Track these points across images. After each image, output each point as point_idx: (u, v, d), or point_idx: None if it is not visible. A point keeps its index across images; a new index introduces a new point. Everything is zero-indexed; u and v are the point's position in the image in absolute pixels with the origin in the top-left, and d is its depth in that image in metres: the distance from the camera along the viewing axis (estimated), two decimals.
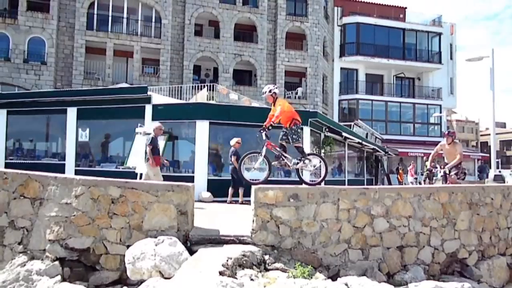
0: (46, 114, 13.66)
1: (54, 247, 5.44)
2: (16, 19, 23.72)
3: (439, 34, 35.37)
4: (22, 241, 5.61)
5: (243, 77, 29.73)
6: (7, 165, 12.44)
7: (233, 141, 10.77)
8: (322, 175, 6.95)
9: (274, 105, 6.83)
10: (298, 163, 6.76)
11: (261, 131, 6.78)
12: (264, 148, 6.70)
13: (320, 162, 7.05)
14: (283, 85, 28.99)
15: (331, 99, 33.20)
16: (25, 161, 13.10)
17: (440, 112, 34.18)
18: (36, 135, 14.46)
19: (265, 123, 6.80)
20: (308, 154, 7.02)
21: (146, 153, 8.93)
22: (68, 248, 5.44)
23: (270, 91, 6.83)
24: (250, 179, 6.66)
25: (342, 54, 33.72)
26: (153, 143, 8.90)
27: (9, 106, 13.52)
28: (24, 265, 5.34)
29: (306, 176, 7.12)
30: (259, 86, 28.16)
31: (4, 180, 5.72)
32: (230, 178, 10.92)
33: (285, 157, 6.83)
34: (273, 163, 6.93)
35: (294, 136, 6.70)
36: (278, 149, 6.86)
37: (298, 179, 7.12)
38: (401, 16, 36.78)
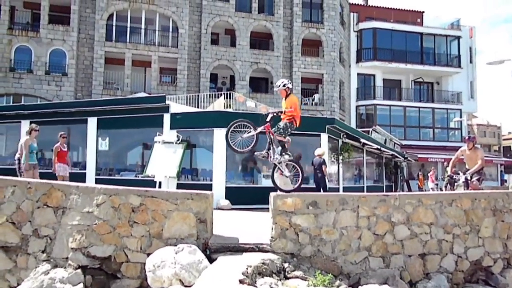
0: (67, 124, 13.97)
1: (77, 255, 5.52)
2: (38, 32, 24.37)
3: (458, 38, 34.83)
4: (45, 249, 5.70)
5: (260, 85, 29.82)
6: None
7: (320, 151, 11.26)
8: (298, 182, 6.69)
9: (285, 99, 6.74)
10: (278, 158, 6.60)
11: (270, 113, 6.70)
12: (262, 127, 6.58)
13: (295, 168, 6.85)
14: (299, 91, 28.91)
15: (348, 105, 32.98)
16: (48, 171, 13.38)
17: (461, 117, 33.57)
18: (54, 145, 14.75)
19: (277, 112, 6.73)
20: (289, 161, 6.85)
21: None
22: (90, 256, 5.52)
23: (284, 85, 6.68)
24: (235, 148, 6.59)
25: (358, 60, 33.51)
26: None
27: (32, 117, 13.86)
28: (48, 273, 5.42)
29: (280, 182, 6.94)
30: (275, 93, 28.18)
31: (28, 189, 5.84)
32: (252, 186, 10.88)
33: (273, 148, 6.69)
34: (256, 153, 6.88)
35: (281, 129, 6.56)
36: (272, 137, 6.70)
37: (314, 187, 7.05)
38: (419, 20, 36.39)
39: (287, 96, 6.72)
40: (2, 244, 5.77)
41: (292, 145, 10.29)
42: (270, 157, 6.69)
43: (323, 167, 11.01)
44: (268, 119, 6.62)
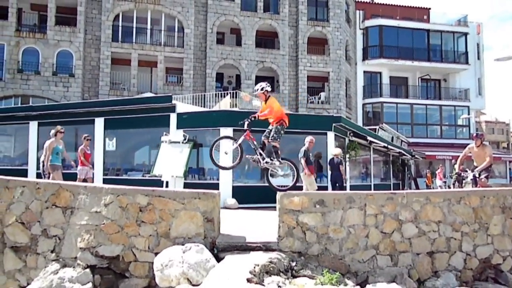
0: (74, 125, 14.05)
1: (85, 255, 5.56)
2: (45, 34, 24.55)
3: (465, 34, 34.57)
4: (54, 249, 5.75)
5: None
6: (39, 175, 12.83)
7: (337, 151, 11.46)
8: (292, 182, 6.74)
9: (265, 103, 6.76)
10: (268, 162, 6.65)
11: (246, 120, 6.71)
12: (242, 137, 6.64)
13: (291, 169, 6.89)
14: (305, 90, 28.92)
15: (355, 103, 32.87)
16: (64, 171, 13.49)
17: (468, 114, 33.32)
18: (65, 145, 14.85)
19: (253, 115, 6.75)
20: (282, 159, 6.84)
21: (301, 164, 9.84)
22: (98, 256, 5.55)
23: (262, 89, 6.71)
24: (220, 165, 6.66)
25: (365, 58, 33.38)
26: (306, 155, 9.75)
27: (40, 118, 13.98)
28: (57, 272, 5.47)
29: (276, 181, 6.95)
30: (281, 92, 28.19)
31: (37, 190, 5.89)
32: (259, 185, 10.90)
33: (260, 153, 6.73)
34: (247, 156, 6.90)
35: (275, 135, 6.59)
36: (255, 142, 6.76)
37: (323, 185, 7.05)
38: (425, 17, 36.15)
39: (266, 99, 6.75)
40: (12, 244, 5.83)
41: (299, 143, 10.30)
42: (259, 161, 6.73)
43: (341, 166, 11.23)
44: (245, 126, 6.66)
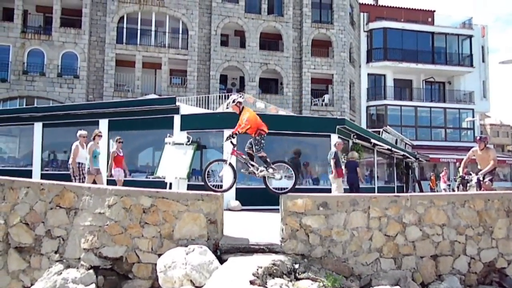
0: (79, 126, 14.01)
1: (89, 255, 5.58)
2: (50, 35, 24.69)
3: (470, 37, 34.46)
4: (58, 250, 5.77)
5: (269, 86, 29.83)
6: (43, 176, 12.90)
7: (354, 155, 11.99)
8: (291, 184, 6.70)
9: (240, 114, 6.76)
10: (263, 171, 6.65)
11: (227, 138, 6.71)
12: (230, 156, 6.68)
13: (289, 169, 6.87)
14: (309, 92, 28.91)
15: (359, 106, 32.82)
16: (60, 172, 13.52)
17: (473, 117, 33.19)
18: (70, 146, 14.89)
19: (232, 131, 6.72)
20: (275, 162, 6.79)
21: (330, 166, 10.30)
22: (101, 257, 5.56)
23: (233, 101, 6.78)
24: (212, 185, 6.67)
25: (369, 60, 33.34)
26: (336, 157, 10.12)
27: (45, 119, 14.03)
28: (61, 273, 5.48)
29: (275, 184, 6.94)
30: (285, 94, 28.20)
31: (41, 191, 5.92)
32: (262, 187, 10.90)
33: (252, 165, 6.75)
34: (242, 171, 6.91)
35: (256, 147, 6.58)
36: (244, 156, 6.79)
37: (327, 187, 7.04)
38: (429, 20, 36.08)
39: (240, 111, 6.75)
40: (16, 244, 5.86)
41: (303, 145, 10.31)
42: (254, 173, 6.73)
43: (358, 169, 11.59)
44: (231, 145, 6.67)
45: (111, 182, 10.42)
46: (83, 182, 9.21)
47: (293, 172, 6.78)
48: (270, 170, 6.61)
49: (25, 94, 24.05)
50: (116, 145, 10.73)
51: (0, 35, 23.95)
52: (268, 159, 6.67)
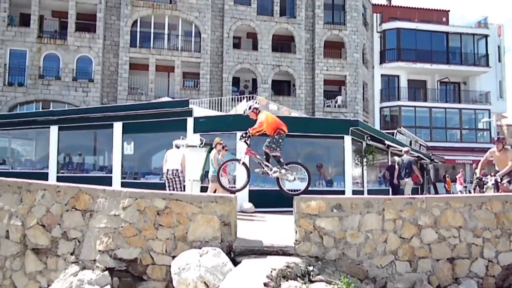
0: (93, 129, 14.28)
1: (104, 257, 5.63)
2: (65, 40, 25.06)
3: (486, 36, 33.92)
4: (74, 251, 5.84)
5: (282, 88, 29.79)
6: (59, 179, 13.07)
7: (397, 159, 13.06)
8: (305, 184, 6.68)
9: (257, 119, 6.80)
10: (276, 171, 6.64)
11: (241, 138, 6.73)
12: (244, 156, 6.70)
13: (303, 170, 6.85)
14: (322, 94, 28.79)
15: (372, 107, 32.56)
16: (75, 174, 13.71)
17: (489, 117, 32.65)
18: (84, 149, 15.14)
19: (244, 133, 6.73)
20: (288, 163, 6.79)
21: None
22: (116, 259, 5.61)
23: (250, 107, 6.82)
24: (230, 186, 6.69)
25: (382, 61, 33.05)
26: (414, 163, 11.27)
27: (60, 123, 14.23)
28: (76, 274, 5.55)
29: (288, 186, 6.92)
30: (298, 96, 28.14)
31: (57, 193, 6.00)
32: (276, 188, 10.91)
33: (266, 165, 6.75)
34: (255, 170, 6.91)
35: (273, 145, 6.60)
36: (258, 156, 6.80)
37: (341, 189, 6.99)
38: (444, 19, 35.64)
39: (257, 116, 6.79)
40: (33, 246, 5.95)
41: (316, 147, 10.26)
42: (267, 173, 6.75)
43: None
44: (245, 145, 6.71)
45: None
46: (181, 189, 9.37)
47: (306, 174, 6.76)
48: (283, 171, 6.61)
49: (41, 98, 24.44)
50: (222, 152, 10.30)
51: (17, 40, 24.41)
52: (281, 159, 6.67)
